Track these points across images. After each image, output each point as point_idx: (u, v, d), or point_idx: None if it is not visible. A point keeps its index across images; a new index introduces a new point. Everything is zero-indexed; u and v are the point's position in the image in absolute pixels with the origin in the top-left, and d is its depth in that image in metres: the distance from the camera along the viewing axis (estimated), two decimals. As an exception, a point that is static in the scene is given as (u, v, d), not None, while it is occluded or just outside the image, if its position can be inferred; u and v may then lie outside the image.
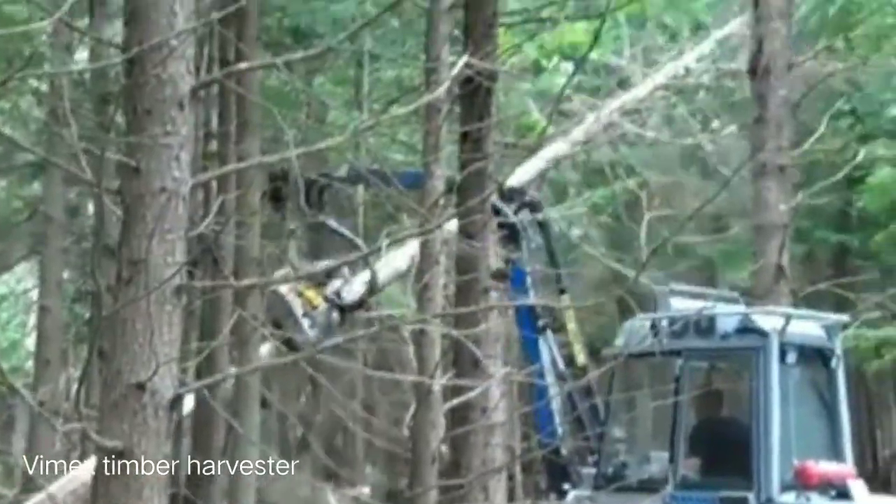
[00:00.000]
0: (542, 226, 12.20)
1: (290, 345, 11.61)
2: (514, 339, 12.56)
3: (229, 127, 11.54)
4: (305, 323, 11.67)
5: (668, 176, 19.52)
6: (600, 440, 11.30)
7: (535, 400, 11.82)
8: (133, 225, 5.85)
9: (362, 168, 12.25)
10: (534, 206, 12.18)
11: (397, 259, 15.21)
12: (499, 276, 11.66)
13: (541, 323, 11.78)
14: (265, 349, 12.70)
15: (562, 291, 12.15)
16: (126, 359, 5.74)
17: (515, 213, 11.84)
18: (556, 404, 11.57)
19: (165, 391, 5.74)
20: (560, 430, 11.54)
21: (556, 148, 17.62)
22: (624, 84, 19.20)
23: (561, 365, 11.70)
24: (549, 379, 11.56)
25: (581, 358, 11.76)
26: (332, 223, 12.06)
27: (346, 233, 12.31)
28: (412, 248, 14.29)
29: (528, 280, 11.76)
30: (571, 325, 11.82)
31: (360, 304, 12.29)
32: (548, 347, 11.71)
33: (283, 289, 11.71)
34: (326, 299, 12.03)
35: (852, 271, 21.64)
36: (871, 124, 20.53)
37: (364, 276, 12.54)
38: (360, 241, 11.99)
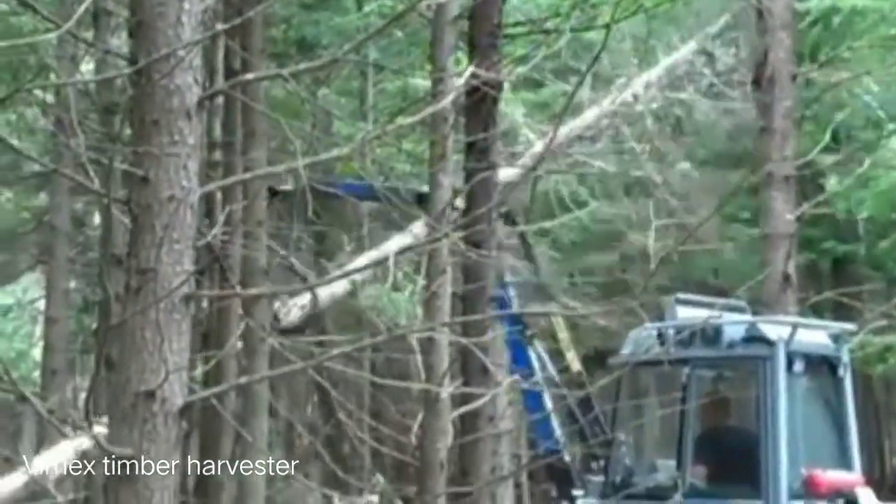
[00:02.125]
0: (521, 236, 12.17)
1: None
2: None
3: (235, 137, 11.57)
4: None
5: (615, 206, 19.26)
6: (608, 449, 11.30)
7: (528, 408, 11.84)
8: (141, 234, 5.87)
9: (312, 180, 12.12)
10: (509, 218, 12.13)
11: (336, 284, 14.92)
12: None
13: (528, 333, 11.76)
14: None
15: (548, 298, 12.09)
16: (136, 367, 5.75)
17: None
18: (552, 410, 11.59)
19: (175, 399, 5.76)
20: (559, 436, 11.55)
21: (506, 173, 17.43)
22: (573, 109, 19.04)
23: (552, 371, 11.70)
24: (542, 385, 11.55)
25: (575, 365, 11.75)
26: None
27: (293, 261, 12.21)
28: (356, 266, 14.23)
29: (512, 291, 11.72)
30: (563, 335, 11.79)
31: (299, 329, 12.20)
32: (537, 356, 11.70)
33: None
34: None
35: (856, 280, 21.63)
36: (878, 133, 20.49)
37: (300, 300, 12.42)
38: (297, 264, 11.90)
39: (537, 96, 19.14)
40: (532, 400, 11.80)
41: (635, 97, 18.62)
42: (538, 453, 11.85)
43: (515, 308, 11.63)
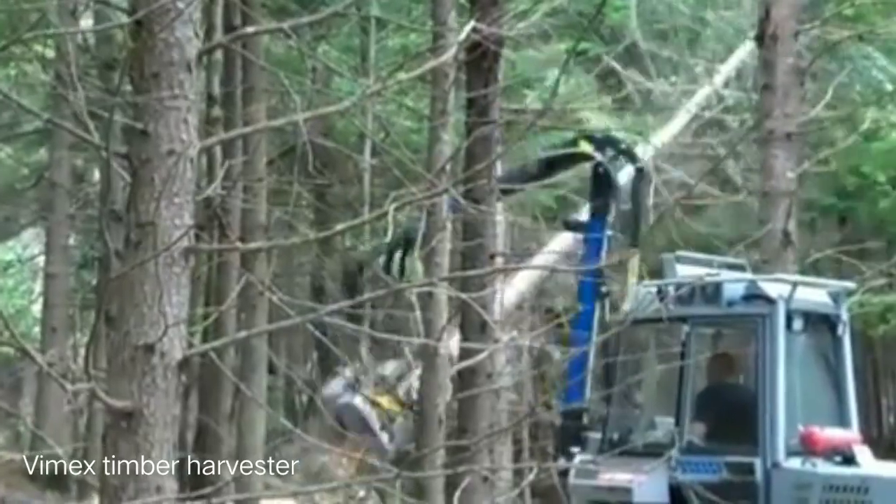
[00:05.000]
0: (638, 177, 11.90)
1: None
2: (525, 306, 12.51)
3: (235, 92, 11.54)
4: (384, 438, 11.19)
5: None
6: (605, 405, 11.31)
7: (571, 370, 11.72)
8: (141, 188, 5.85)
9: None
10: (631, 156, 11.92)
11: None
12: (574, 226, 11.43)
13: (604, 289, 11.63)
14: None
15: (634, 246, 11.90)
16: (135, 320, 5.75)
17: (611, 160, 11.58)
18: (590, 377, 11.52)
19: (174, 353, 5.76)
20: (588, 400, 11.53)
21: None
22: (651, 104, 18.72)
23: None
24: (593, 351, 11.41)
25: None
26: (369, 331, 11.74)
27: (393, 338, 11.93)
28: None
29: (606, 237, 11.57)
30: (632, 280, 11.56)
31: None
32: (601, 313, 11.55)
33: (359, 401, 11.19)
34: (402, 404, 11.39)
35: (857, 239, 21.62)
36: (879, 91, 20.43)
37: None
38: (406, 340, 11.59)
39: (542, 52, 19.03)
40: (576, 362, 11.62)
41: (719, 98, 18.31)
42: (534, 411, 11.84)
43: (605, 253, 11.41)
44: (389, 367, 11.59)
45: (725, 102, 18.52)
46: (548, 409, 11.40)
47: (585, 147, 11.66)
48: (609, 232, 11.55)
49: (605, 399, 11.25)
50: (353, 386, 11.23)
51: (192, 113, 5.96)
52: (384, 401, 11.25)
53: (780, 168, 14.21)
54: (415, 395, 11.30)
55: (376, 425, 10.87)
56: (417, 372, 11.77)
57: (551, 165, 11.70)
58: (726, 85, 18.73)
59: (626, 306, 11.25)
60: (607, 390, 11.29)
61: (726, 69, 18.86)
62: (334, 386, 11.40)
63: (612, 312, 11.54)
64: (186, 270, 5.87)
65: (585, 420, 11.57)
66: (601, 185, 11.65)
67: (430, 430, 9.26)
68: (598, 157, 11.59)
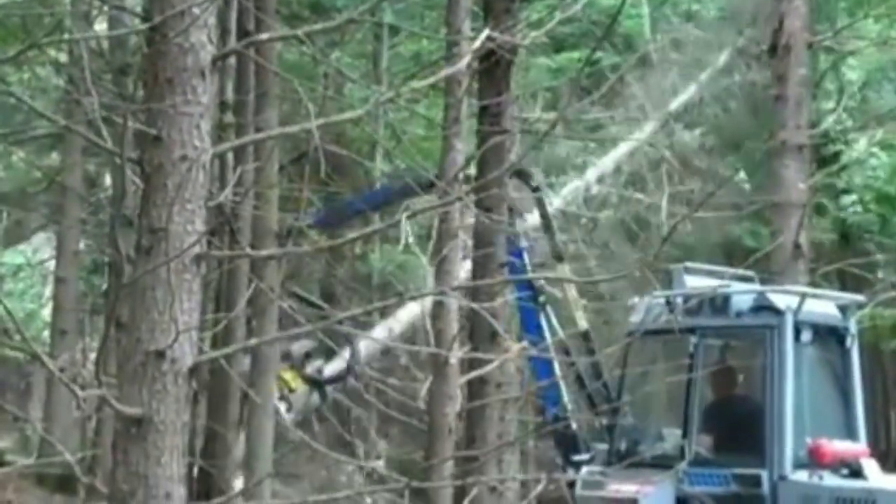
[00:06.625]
0: (538, 199, 12.13)
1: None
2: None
3: (247, 98, 11.54)
4: (282, 407, 12.18)
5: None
6: (613, 416, 11.32)
7: (537, 374, 11.86)
8: (153, 194, 5.86)
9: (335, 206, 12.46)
10: (525, 176, 12.09)
11: (390, 323, 15.22)
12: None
13: (542, 299, 11.75)
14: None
15: (559, 259, 12.09)
16: (146, 326, 5.76)
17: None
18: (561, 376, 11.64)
19: (185, 359, 5.77)
20: (568, 403, 11.60)
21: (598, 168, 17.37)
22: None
23: (562, 335, 11.73)
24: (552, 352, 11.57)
25: (582, 323, 11.79)
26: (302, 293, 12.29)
27: (318, 302, 12.46)
28: (409, 312, 14.47)
29: (526, 256, 11.69)
30: (571, 293, 11.82)
31: (340, 378, 12.52)
32: (548, 322, 11.71)
33: None
34: (306, 380, 12.58)
35: (870, 251, 21.53)
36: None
37: (346, 353, 12.72)
38: (328, 309, 12.02)
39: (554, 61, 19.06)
40: (542, 367, 11.81)
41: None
42: (545, 420, 11.88)
43: (529, 274, 11.61)
44: (296, 346, 12.62)
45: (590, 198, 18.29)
46: (558, 420, 11.43)
47: None
48: (525, 244, 11.64)
49: (613, 410, 11.26)
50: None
51: (206, 119, 5.97)
52: (288, 375, 12.42)
53: (791, 179, 14.22)
54: (326, 373, 12.48)
55: (275, 394, 11.50)
56: (344, 354, 12.35)
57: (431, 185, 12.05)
58: (600, 181, 18.46)
59: (634, 317, 11.28)
60: (615, 402, 11.29)
61: (607, 161, 18.60)
62: (246, 362, 11.98)
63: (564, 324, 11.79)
64: (198, 277, 5.88)
65: (574, 426, 11.61)
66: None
67: (440, 440, 9.25)
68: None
